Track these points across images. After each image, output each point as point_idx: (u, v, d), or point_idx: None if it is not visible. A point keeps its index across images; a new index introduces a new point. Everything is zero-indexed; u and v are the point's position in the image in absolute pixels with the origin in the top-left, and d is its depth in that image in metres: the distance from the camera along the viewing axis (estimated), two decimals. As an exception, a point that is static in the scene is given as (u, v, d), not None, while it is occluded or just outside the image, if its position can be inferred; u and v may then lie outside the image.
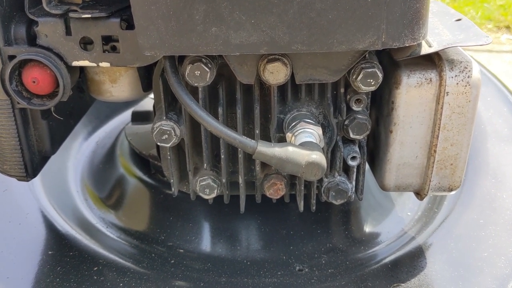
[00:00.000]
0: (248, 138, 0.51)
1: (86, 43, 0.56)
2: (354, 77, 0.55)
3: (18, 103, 0.56)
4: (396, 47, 0.50)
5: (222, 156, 0.61)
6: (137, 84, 0.63)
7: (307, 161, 0.50)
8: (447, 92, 0.56)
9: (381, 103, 0.61)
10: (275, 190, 0.64)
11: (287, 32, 0.48)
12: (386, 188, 0.63)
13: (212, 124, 0.50)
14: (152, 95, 0.71)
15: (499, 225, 0.70)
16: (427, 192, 0.62)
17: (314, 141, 0.54)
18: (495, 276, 0.63)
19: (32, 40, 0.55)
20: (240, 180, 0.63)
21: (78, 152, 0.89)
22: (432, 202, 0.77)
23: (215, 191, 0.63)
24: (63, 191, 0.78)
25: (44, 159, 0.64)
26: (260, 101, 0.58)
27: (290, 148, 0.51)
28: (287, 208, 0.75)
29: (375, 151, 0.64)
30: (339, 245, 0.70)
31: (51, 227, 0.70)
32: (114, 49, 0.56)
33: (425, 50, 0.54)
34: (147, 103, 1.00)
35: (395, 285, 0.62)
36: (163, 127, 0.58)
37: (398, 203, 0.78)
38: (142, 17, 0.48)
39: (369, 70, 0.54)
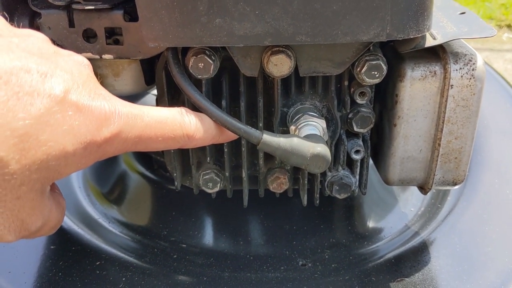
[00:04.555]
0: (253, 128, 0.51)
1: (89, 37, 0.55)
2: (358, 69, 0.54)
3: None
4: (400, 38, 0.49)
5: (225, 150, 0.61)
6: (140, 77, 0.63)
7: (312, 153, 0.50)
8: (451, 85, 0.55)
9: (385, 97, 0.60)
10: (279, 184, 0.64)
11: (292, 23, 0.48)
12: (390, 182, 0.63)
13: (217, 114, 0.50)
14: (154, 91, 0.71)
15: (503, 220, 0.70)
16: (431, 186, 0.61)
17: (318, 134, 0.54)
18: (499, 271, 0.63)
19: (35, 32, 0.55)
20: (244, 174, 0.62)
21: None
22: (435, 197, 0.77)
23: (218, 185, 0.63)
24: (65, 186, 0.78)
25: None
26: (263, 94, 0.58)
27: (295, 140, 0.50)
28: (290, 202, 0.75)
29: (378, 145, 0.64)
30: (342, 240, 0.70)
31: (53, 222, 0.70)
32: (117, 42, 0.56)
33: (429, 42, 0.53)
34: (150, 99, 1.00)
35: (398, 279, 0.62)
36: (166, 120, 0.57)
37: (401, 198, 0.78)
38: (146, 8, 0.48)
39: (374, 62, 0.54)
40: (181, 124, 0.46)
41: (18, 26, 0.55)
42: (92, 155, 0.40)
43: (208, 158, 0.62)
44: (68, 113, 0.37)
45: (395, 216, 0.75)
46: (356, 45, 0.53)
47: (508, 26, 2.65)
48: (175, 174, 0.64)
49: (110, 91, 0.63)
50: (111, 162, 0.87)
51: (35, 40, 0.42)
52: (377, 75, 0.54)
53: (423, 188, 0.63)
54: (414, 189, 0.68)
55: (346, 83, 0.58)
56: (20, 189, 0.36)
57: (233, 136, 0.52)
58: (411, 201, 0.78)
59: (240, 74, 0.56)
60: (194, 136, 0.47)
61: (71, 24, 0.54)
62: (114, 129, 0.40)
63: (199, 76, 0.53)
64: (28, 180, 0.36)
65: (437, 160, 0.60)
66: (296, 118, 0.57)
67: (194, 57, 0.52)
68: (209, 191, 0.64)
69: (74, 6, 0.52)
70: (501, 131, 0.86)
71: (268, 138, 0.50)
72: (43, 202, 0.40)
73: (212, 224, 0.75)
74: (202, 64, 0.52)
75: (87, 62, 0.45)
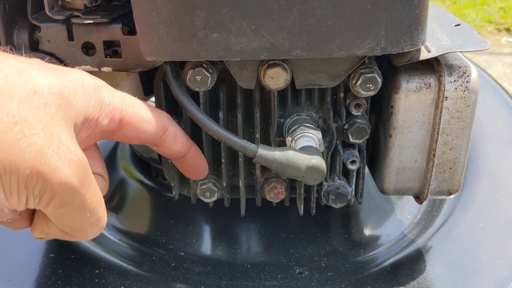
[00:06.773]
0: (248, 142, 0.51)
1: (88, 48, 0.56)
2: (353, 82, 0.55)
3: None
4: (395, 52, 0.50)
5: (223, 160, 0.61)
6: (138, 88, 0.64)
7: (307, 165, 0.50)
8: (446, 97, 0.56)
9: (380, 108, 0.61)
10: (275, 193, 0.64)
11: (287, 38, 0.49)
12: (386, 192, 0.63)
13: (213, 128, 0.51)
14: (153, 99, 0.72)
15: (498, 228, 0.71)
16: (427, 196, 0.62)
17: (314, 146, 0.54)
18: (494, 279, 0.63)
19: (34, 45, 0.56)
20: (241, 184, 0.63)
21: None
22: (431, 206, 0.77)
23: (216, 194, 0.64)
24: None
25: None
26: (260, 106, 0.59)
27: (291, 153, 0.51)
28: (287, 211, 0.75)
29: (374, 155, 0.65)
30: (339, 248, 0.71)
31: (52, 230, 0.71)
32: (115, 53, 0.56)
33: (424, 55, 0.54)
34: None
35: (394, 288, 0.63)
36: (164, 131, 0.58)
37: (397, 207, 0.79)
38: (143, 23, 0.49)
39: (369, 75, 0.54)
40: (165, 117, 0.50)
41: (18, 39, 0.56)
42: (91, 96, 0.43)
43: (206, 168, 0.63)
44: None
45: (391, 224, 0.76)
46: (351, 58, 0.53)
47: (507, 29, 2.66)
48: (173, 184, 0.65)
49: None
50: (109, 169, 0.87)
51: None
52: (372, 88, 0.55)
53: (418, 198, 0.64)
54: (411, 197, 0.68)
55: (341, 95, 0.59)
56: (46, 108, 0.38)
57: (197, 164, 0.56)
58: (408, 209, 0.78)
59: (237, 85, 0.57)
60: (167, 129, 0.50)
61: (70, 37, 0.55)
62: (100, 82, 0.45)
63: (196, 89, 0.54)
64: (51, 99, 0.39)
65: (432, 170, 0.60)
66: (292, 129, 0.58)
67: (192, 70, 0.53)
68: (206, 200, 0.64)
69: (73, 20, 0.53)
70: (497, 139, 0.86)
71: (264, 152, 0.51)
72: (73, 135, 0.41)
73: (210, 232, 0.75)
74: (200, 77, 0.53)
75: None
